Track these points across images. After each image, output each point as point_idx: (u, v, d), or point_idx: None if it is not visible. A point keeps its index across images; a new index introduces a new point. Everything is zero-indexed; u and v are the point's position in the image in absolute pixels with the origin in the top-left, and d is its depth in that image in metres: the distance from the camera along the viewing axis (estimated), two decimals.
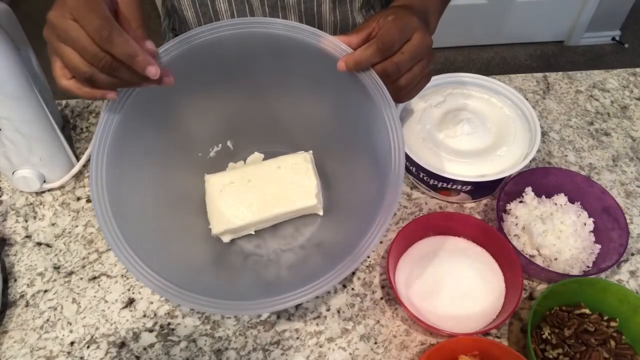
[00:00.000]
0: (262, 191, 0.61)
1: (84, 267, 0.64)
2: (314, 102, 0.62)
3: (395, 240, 0.58)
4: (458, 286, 0.58)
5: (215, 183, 0.62)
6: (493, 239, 0.60)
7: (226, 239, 0.61)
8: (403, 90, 0.53)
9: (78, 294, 0.62)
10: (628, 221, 0.65)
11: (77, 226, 0.67)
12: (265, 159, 0.66)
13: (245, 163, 0.67)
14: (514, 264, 0.57)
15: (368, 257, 0.63)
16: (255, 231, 0.62)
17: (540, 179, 0.65)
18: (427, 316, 0.56)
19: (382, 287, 0.61)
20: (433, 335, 0.57)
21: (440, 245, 0.62)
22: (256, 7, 0.70)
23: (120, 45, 0.40)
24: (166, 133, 0.59)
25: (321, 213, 0.63)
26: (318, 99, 0.61)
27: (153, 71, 0.42)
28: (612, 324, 0.55)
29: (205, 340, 0.58)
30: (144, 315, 0.60)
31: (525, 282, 0.61)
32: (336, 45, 0.52)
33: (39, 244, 0.66)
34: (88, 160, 0.70)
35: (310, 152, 0.64)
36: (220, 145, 0.67)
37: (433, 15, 0.59)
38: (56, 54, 0.43)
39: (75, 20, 0.40)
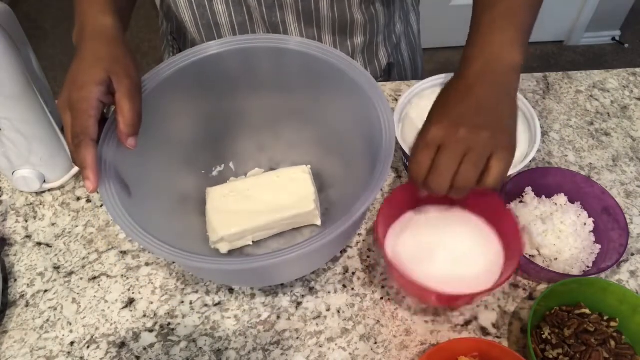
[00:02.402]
0: (259, 199, 0.61)
1: (84, 267, 0.64)
2: (312, 113, 0.63)
3: (382, 208, 0.56)
4: (453, 252, 0.57)
5: (215, 195, 0.62)
6: (489, 204, 0.58)
7: (223, 249, 0.61)
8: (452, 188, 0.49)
9: (78, 294, 0.62)
10: (628, 221, 0.65)
11: (77, 226, 0.67)
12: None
13: (246, 177, 0.68)
14: (511, 227, 0.56)
15: (368, 256, 0.63)
16: (253, 242, 0.62)
17: (540, 179, 0.65)
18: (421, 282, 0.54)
19: (382, 287, 0.61)
20: (433, 336, 0.57)
21: (434, 212, 0.61)
22: (254, 8, 0.70)
23: (78, 157, 0.47)
24: (167, 150, 0.60)
25: (319, 223, 0.63)
26: (316, 107, 0.62)
27: (90, 188, 0.47)
28: (612, 324, 0.55)
29: (205, 340, 0.58)
30: (144, 315, 0.60)
31: (525, 282, 0.61)
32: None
33: (39, 244, 0.66)
34: None
35: (309, 166, 0.65)
36: (222, 165, 0.68)
37: (510, 39, 0.52)
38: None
39: (70, 111, 0.48)
